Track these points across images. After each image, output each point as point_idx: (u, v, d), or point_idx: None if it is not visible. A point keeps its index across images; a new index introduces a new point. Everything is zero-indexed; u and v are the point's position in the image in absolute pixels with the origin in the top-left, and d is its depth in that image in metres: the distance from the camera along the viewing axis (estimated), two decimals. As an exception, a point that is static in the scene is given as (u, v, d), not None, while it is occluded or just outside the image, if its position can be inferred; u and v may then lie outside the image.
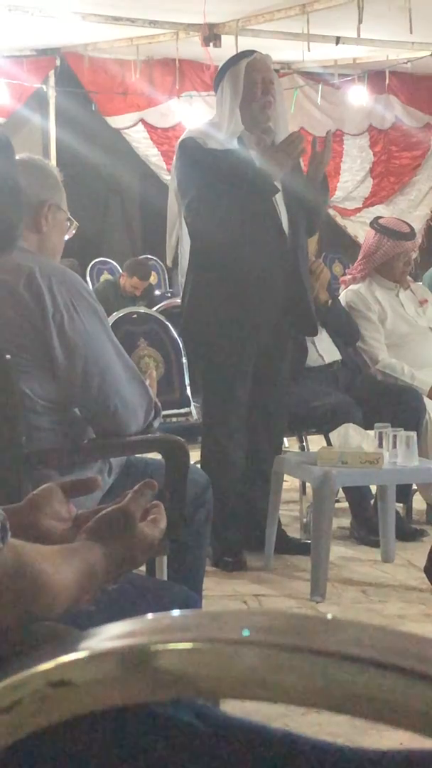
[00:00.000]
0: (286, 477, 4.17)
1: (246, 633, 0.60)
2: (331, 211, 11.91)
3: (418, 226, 10.69)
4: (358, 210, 11.91)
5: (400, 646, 0.60)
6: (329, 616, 0.65)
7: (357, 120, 11.82)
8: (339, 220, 11.97)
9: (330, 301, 4.73)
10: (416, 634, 0.62)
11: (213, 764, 0.77)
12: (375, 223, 4.99)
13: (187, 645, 0.60)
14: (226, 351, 4.06)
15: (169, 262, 4.72)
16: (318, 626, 0.62)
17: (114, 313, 4.94)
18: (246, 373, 4.11)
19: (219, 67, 4.23)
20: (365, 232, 5.16)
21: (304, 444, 4.85)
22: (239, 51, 4.44)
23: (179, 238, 4.30)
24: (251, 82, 4.05)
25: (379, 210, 11.17)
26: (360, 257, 5.04)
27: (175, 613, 0.66)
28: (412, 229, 5.05)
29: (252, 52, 4.19)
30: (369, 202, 12.00)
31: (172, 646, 0.61)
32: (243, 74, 4.05)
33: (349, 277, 5.09)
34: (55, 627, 1.03)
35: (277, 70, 11.38)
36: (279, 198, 4.06)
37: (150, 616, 0.66)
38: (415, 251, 5.08)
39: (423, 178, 12.27)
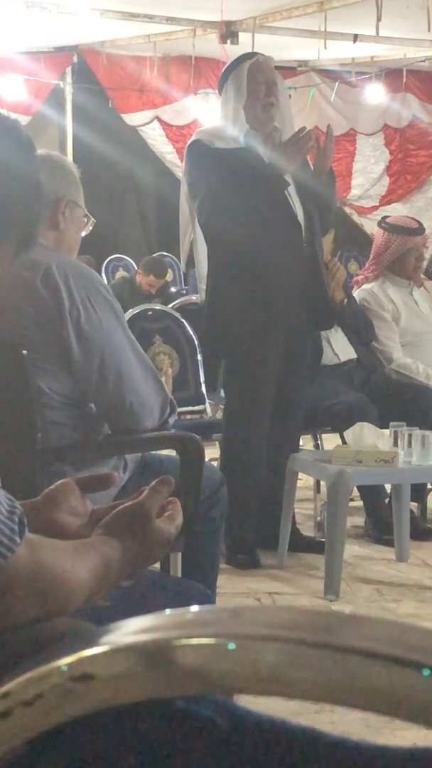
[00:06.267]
0: (300, 475, 4.17)
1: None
2: (348, 209, 11.88)
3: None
4: (375, 208, 11.87)
5: (421, 642, 0.60)
6: (347, 611, 0.65)
7: (371, 119, 11.78)
8: (355, 218, 11.94)
9: (345, 300, 4.72)
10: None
11: (234, 760, 0.77)
12: (382, 222, 4.98)
13: (210, 640, 0.60)
14: (251, 352, 4.03)
15: (182, 265, 4.72)
16: (339, 622, 0.62)
17: (129, 310, 4.93)
18: (270, 373, 4.06)
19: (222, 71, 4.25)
20: (381, 230, 5.13)
21: (319, 442, 4.84)
22: (251, 50, 4.44)
23: (193, 243, 4.29)
24: (255, 83, 4.05)
25: (396, 208, 11.13)
26: (371, 257, 5.02)
27: (196, 608, 0.66)
28: (420, 224, 5.03)
29: (254, 54, 4.21)
30: (386, 200, 11.96)
31: (194, 641, 0.61)
32: (246, 75, 4.06)
33: (361, 277, 5.08)
34: (73, 622, 1.03)
35: (294, 68, 11.41)
36: (292, 190, 4.05)
37: (170, 611, 0.66)
38: (427, 247, 5.04)
39: (441, 175, 12.22)
